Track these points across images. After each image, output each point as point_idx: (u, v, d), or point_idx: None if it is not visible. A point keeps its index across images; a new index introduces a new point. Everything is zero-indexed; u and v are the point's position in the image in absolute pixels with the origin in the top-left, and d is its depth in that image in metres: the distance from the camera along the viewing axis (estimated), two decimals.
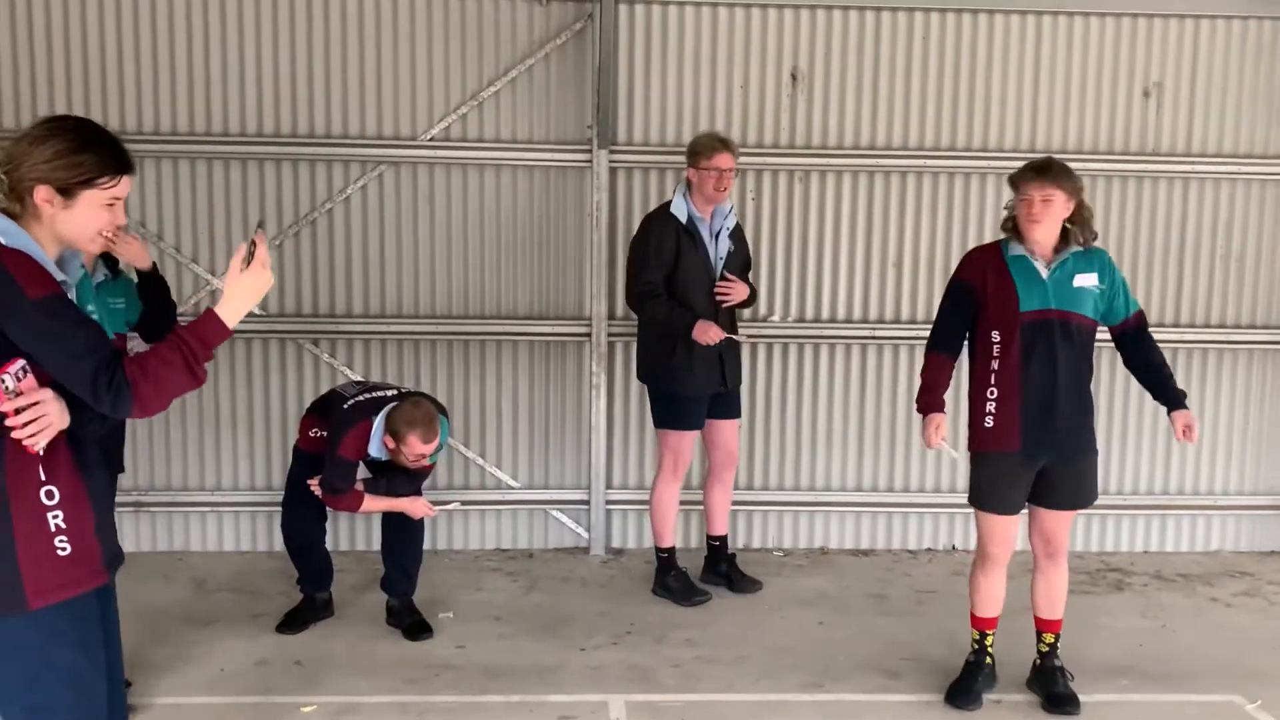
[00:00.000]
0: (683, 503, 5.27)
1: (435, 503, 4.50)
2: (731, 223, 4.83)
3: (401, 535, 4.47)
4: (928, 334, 5.56)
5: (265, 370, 5.48)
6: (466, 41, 5.36)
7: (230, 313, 2.25)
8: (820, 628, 4.65)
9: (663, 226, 4.71)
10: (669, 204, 4.78)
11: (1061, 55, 5.53)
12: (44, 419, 2.14)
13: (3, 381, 2.12)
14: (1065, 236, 3.75)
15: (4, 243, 2.16)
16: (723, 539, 5.13)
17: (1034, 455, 3.77)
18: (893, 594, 5.09)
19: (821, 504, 5.71)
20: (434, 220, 5.45)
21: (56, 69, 5.22)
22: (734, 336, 4.73)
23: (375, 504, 4.35)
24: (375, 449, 4.26)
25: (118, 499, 5.27)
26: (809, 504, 5.71)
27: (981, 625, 3.99)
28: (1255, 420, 5.82)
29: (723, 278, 4.75)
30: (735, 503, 5.50)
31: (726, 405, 4.95)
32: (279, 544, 5.51)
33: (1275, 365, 5.79)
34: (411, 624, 4.47)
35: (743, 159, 5.43)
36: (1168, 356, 5.57)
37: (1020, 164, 5.60)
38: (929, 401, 3.93)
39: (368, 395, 4.38)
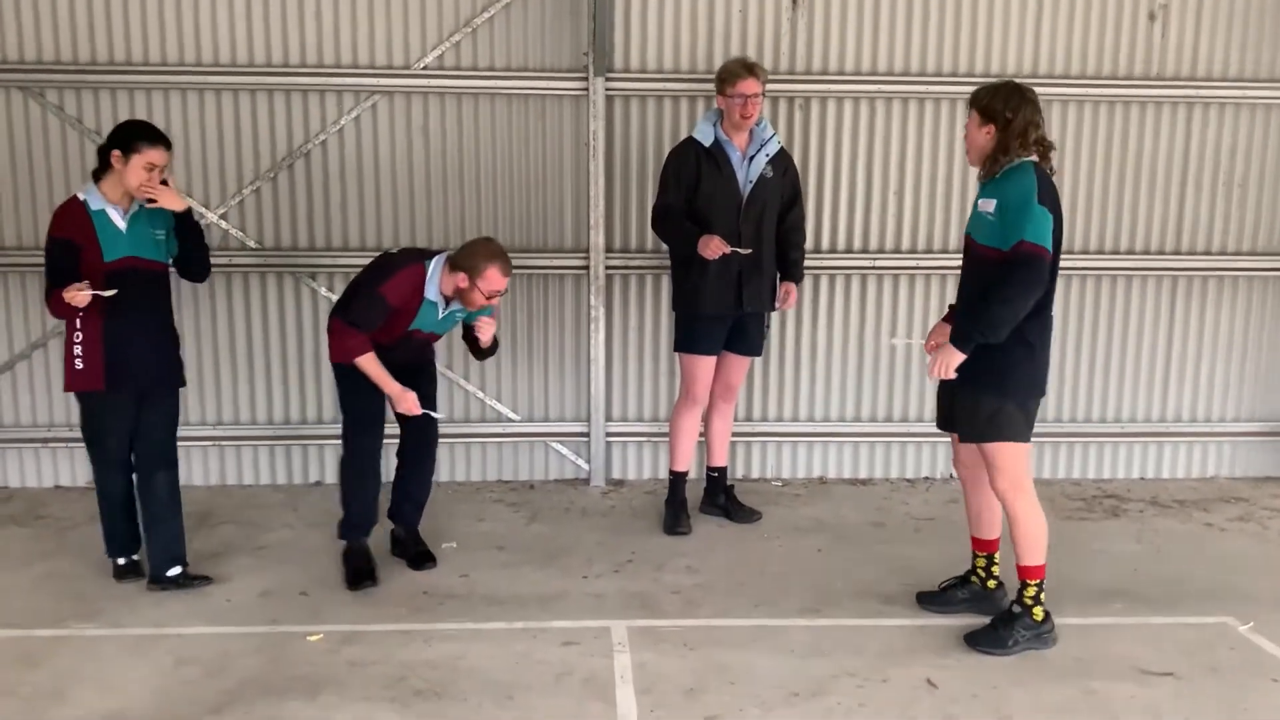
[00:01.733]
0: (660, 435, 5.33)
1: (429, 418, 4.35)
2: (773, 148, 4.76)
3: (416, 467, 4.49)
4: (928, 265, 5.61)
5: (263, 304, 5.46)
6: None
7: None
8: (818, 555, 4.70)
9: (684, 151, 4.76)
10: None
11: None
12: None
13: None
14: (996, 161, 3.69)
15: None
16: (721, 470, 5.17)
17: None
18: (890, 522, 5.14)
19: (820, 434, 5.74)
20: (429, 151, 5.39)
21: (78, 3, 5.14)
22: (740, 250, 4.64)
23: (371, 367, 4.09)
24: (433, 293, 4.13)
25: None
26: (807, 434, 5.74)
27: (972, 545, 4.12)
28: (1254, 347, 5.82)
29: (749, 202, 4.71)
30: (734, 434, 5.53)
31: (744, 339, 4.93)
32: (281, 477, 5.61)
33: (1274, 292, 5.78)
34: (417, 554, 4.52)
35: None
36: (1167, 285, 5.68)
37: None
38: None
39: (416, 248, 4.33)
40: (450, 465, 5.64)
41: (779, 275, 4.95)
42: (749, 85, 4.61)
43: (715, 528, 5.02)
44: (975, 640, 3.85)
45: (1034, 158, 3.66)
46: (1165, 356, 5.80)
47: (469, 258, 4.10)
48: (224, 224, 5.35)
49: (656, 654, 3.76)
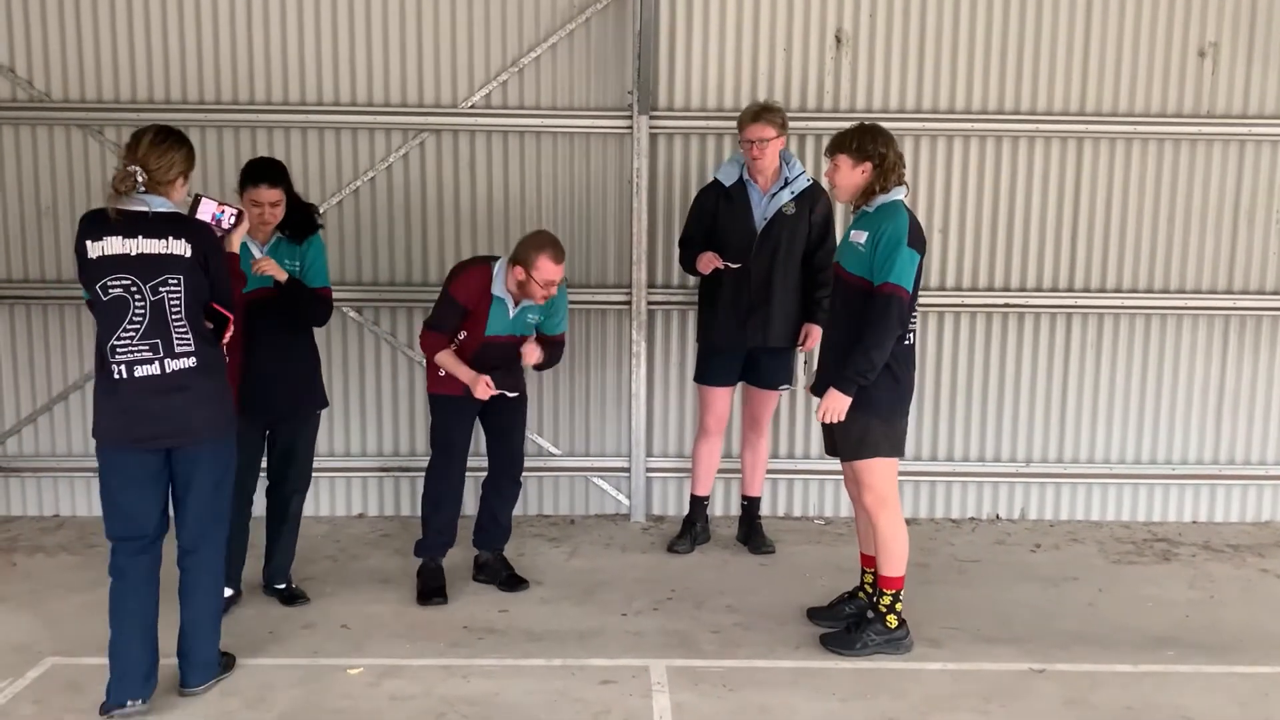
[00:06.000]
0: (721, 470, 5.33)
1: (502, 393, 4.39)
2: (800, 185, 4.84)
3: (498, 493, 4.60)
4: (974, 302, 5.57)
5: None
6: (507, 7, 5.34)
7: None
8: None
9: (704, 191, 4.99)
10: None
11: (1114, 15, 5.39)
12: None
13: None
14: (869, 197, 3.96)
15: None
16: (753, 500, 5.20)
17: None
18: (935, 563, 5.07)
19: None
20: (475, 188, 5.46)
21: (137, 46, 5.29)
22: (731, 265, 4.76)
23: (446, 360, 4.36)
24: (499, 289, 4.33)
25: None
26: None
27: (861, 561, 4.32)
28: None
29: (764, 235, 4.80)
30: (777, 471, 5.52)
31: (765, 373, 4.98)
32: (325, 510, 5.65)
33: None
34: (508, 577, 4.63)
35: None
36: (1219, 325, 5.59)
37: (1072, 126, 5.55)
38: None
39: (485, 255, 4.64)
40: None
41: (805, 315, 4.96)
42: (754, 130, 4.73)
43: (757, 566, 4.99)
44: (827, 641, 4.06)
45: (905, 189, 3.98)
46: (1218, 397, 5.69)
47: (522, 250, 4.30)
48: None
49: (696, 694, 3.73)
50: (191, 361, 3.42)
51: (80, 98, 5.33)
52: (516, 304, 4.37)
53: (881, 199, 3.92)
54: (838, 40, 5.41)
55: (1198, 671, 3.96)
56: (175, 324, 3.39)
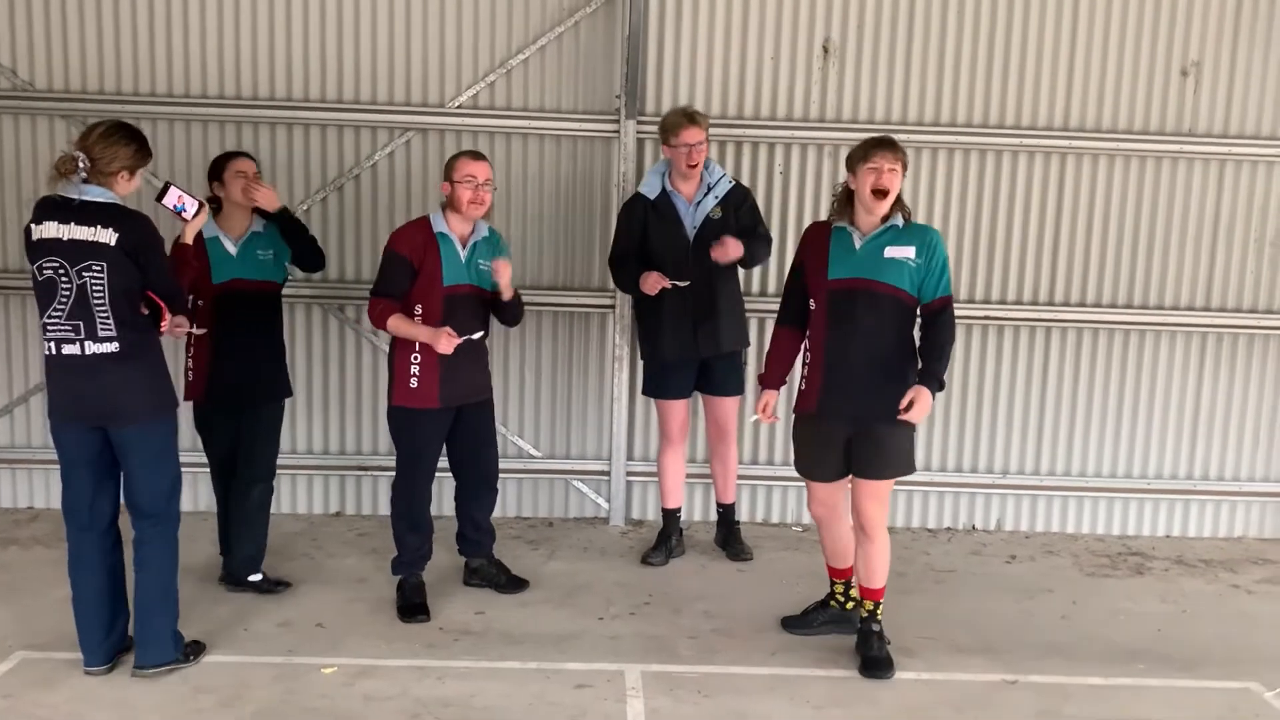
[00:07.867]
0: (692, 475, 5.35)
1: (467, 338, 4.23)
2: (723, 189, 4.82)
3: (476, 499, 4.54)
4: (957, 315, 5.57)
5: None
6: (496, 8, 5.34)
7: None
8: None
9: (630, 206, 4.93)
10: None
11: (1098, 31, 5.44)
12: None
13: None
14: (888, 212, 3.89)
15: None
16: (727, 507, 5.21)
17: (832, 419, 3.92)
18: (911, 572, 5.09)
19: None
20: None
21: (123, 38, 5.27)
22: (678, 283, 4.71)
23: (399, 325, 4.18)
24: (440, 225, 4.24)
25: None
26: None
27: (830, 574, 4.28)
28: None
29: (696, 245, 4.76)
30: (755, 477, 5.54)
31: (720, 381, 4.97)
32: (302, 507, 5.63)
33: None
34: (508, 580, 4.61)
35: (771, 132, 5.42)
36: (1196, 342, 5.64)
37: (1055, 142, 5.59)
38: (764, 376, 4.17)
39: None
40: None
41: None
42: (690, 134, 4.69)
43: (735, 572, 5.00)
44: (871, 672, 3.95)
45: None
46: (1193, 413, 5.74)
47: (446, 168, 4.31)
48: None
49: (671, 700, 3.74)
50: (113, 347, 3.54)
51: (65, 88, 5.29)
52: (464, 244, 4.25)
53: (901, 216, 3.90)
54: (825, 50, 5.44)
55: (1168, 685, 4.00)
56: (98, 309, 3.52)
